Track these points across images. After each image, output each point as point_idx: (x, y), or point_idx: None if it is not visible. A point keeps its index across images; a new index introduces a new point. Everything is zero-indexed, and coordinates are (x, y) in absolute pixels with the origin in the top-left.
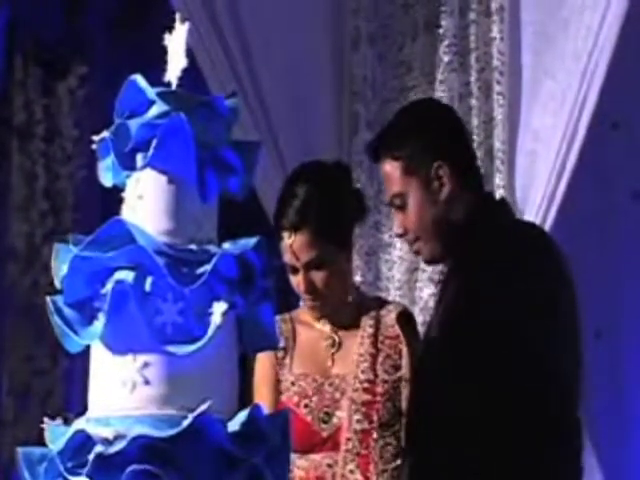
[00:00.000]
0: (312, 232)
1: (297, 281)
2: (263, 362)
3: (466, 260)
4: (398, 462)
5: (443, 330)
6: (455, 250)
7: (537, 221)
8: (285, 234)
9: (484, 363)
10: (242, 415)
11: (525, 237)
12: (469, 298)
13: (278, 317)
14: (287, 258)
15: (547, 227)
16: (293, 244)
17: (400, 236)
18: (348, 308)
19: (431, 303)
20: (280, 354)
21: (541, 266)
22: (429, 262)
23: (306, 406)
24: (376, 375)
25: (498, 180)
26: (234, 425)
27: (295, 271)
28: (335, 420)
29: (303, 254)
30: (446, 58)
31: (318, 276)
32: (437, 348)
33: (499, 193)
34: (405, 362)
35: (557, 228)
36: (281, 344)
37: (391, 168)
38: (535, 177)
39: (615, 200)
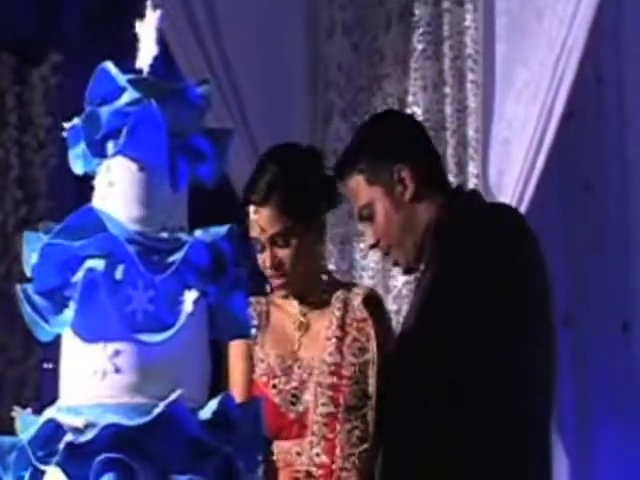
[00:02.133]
0: (277, 206)
1: (263, 259)
2: (236, 341)
3: (436, 257)
4: (365, 446)
5: (413, 326)
6: (427, 250)
7: None
8: (252, 209)
9: (447, 360)
10: (213, 403)
11: (496, 227)
12: (435, 295)
13: (253, 299)
14: (254, 233)
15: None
16: (259, 218)
17: (373, 247)
18: (317, 291)
19: (405, 291)
20: (252, 337)
21: (510, 260)
22: (407, 271)
23: (274, 386)
24: (343, 358)
25: (472, 168)
26: (205, 414)
27: (262, 249)
28: (303, 403)
29: (268, 227)
30: (420, 46)
31: (283, 252)
32: (406, 345)
33: (473, 182)
34: (372, 345)
35: (530, 216)
36: (254, 323)
37: (355, 182)
38: (509, 165)
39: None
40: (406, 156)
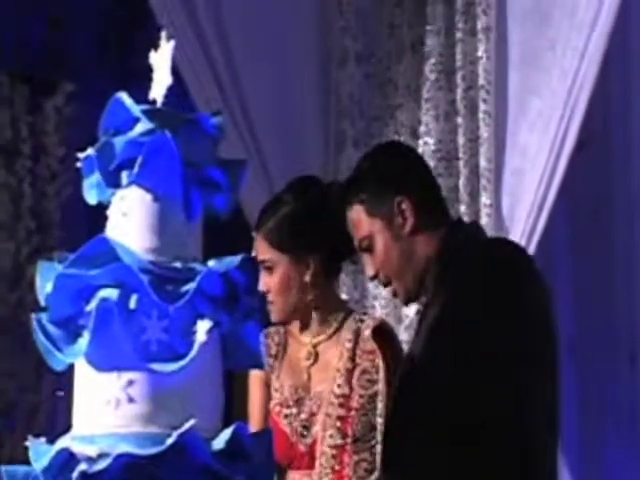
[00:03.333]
0: (263, 237)
1: None
2: (255, 372)
3: (441, 291)
4: (372, 478)
5: (425, 359)
6: (429, 283)
7: (523, 240)
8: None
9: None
10: (226, 433)
11: (499, 262)
12: (447, 329)
13: (272, 329)
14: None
15: (533, 246)
16: (255, 243)
17: (373, 278)
18: (333, 321)
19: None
20: (271, 361)
21: (517, 293)
22: (406, 301)
23: (286, 416)
24: (352, 389)
25: (484, 198)
26: (218, 443)
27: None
28: (312, 434)
29: (259, 254)
30: (432, 76)
31: (267, 279)
32: (416, 377)
33: (485, 212)
34: (381, 376)
35: (543, 247)
36: (272, 352)
37: (356, 212)
38: (521, 195)
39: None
40: (407, 188)
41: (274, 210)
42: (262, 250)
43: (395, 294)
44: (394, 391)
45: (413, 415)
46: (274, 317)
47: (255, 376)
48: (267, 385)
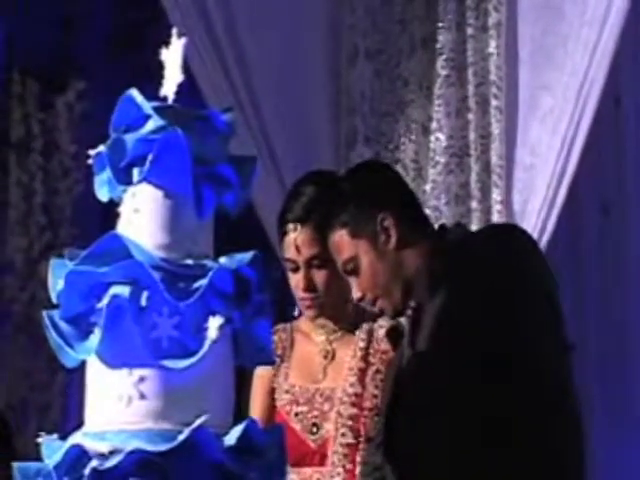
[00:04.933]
0: (316, 228)
1: (297, 280)
2: (261, 370)
3: (438, 293)
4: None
5: (422, 361)
6: (420, 290)
7: (535, 235)
8: (290, 228)
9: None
10: (238, 429)
11: (495, 256)
12: (450, 332)
13: (279, 326)
14: (289, 254)
15: (544, 241)
16: (297, 238)
17: (359, 300)
18: (346, 318)
19: None
20: (277, 361)
21: (511, 289)
22: (394, 316)
23: (296, 414)
24: (364, 389)
25: (496, 195)
26: (230, 439)
27: (296, 270)
28: (323, 432)
29: (306, 249)
30: (443, 73)
31: (318, 275)
32: (417, 382)
33: (497, 208)
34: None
35: (555, 242)
36: (278, 352)
37: (339, 236)
38: (533, 191)
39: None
40: (388, 205)
41: (316, 200)
42: (311, 244)
43: (382, 312)
44: (393, 392)
45: (412, 417)
46: (317, 312)
47: (259, 380)
48: (270, 391)
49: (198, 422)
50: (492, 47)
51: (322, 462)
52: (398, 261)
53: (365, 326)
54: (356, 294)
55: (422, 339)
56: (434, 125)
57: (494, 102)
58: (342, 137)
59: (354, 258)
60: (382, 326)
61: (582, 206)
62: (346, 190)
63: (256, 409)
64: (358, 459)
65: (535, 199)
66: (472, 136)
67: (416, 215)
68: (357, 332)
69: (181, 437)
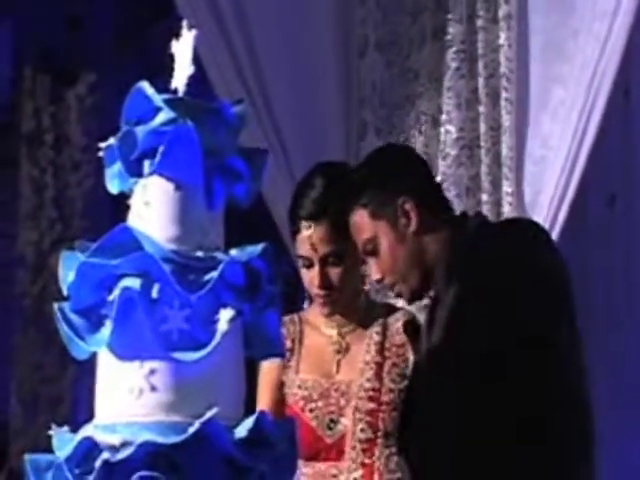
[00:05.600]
0: (331, 225)
1: (311, 276)
2: (268, 364)
3: (454, 283)
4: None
5: (443, 352)
6: (438, 278)
7: (545, 227)
8: (304, 225)
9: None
10: (248, 422)
11: (508, 254)
12: (463, 326)
13: (286, 318)
14: (303, 251)
15: (555, 234)
16: (312, 235)
17: (379, 282)
18: (357, 311)
19: None
20: (288, 355)
21: (529, 289)
22: (411, 300)
23: (311, 410)
24: (382, 384)
25: (506, 187)
26: (240, 432)
27: (310, 266)
28: (340, 427)
29: (322, 247)
30: (454, 65)
31: (334, 271)
32: (433, 374)
33: (507, 200)
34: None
35: (565, 235)
36: (288, 345)
37: (359, 216)
38: (544, 183)
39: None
40: (409, 189)
41: (330, 196)
42: (327, 241)
43: (399, 294)
44: (410, 383)
45: (429, 407)
46: (333, 308)
47: (266, 375)
48: (278, 386)
49: (209, 414)
50: (503, 39)
51: (338, 457)
52: (418, 246)
53: (379, 320)
54: (375, 275)
55: (435, 332)
56: (444, 117)
57: (504, 94)
58: (352, 129)
59: (374, 239)
60: (398, 319)
61: (589, 198)
62: (368, 171)
63: (265, 404)
64: (377, 453)
65: (546, 191)
66: (482, 128)
67: (438, 201)
68: (370, 325)
69: (192, 429)
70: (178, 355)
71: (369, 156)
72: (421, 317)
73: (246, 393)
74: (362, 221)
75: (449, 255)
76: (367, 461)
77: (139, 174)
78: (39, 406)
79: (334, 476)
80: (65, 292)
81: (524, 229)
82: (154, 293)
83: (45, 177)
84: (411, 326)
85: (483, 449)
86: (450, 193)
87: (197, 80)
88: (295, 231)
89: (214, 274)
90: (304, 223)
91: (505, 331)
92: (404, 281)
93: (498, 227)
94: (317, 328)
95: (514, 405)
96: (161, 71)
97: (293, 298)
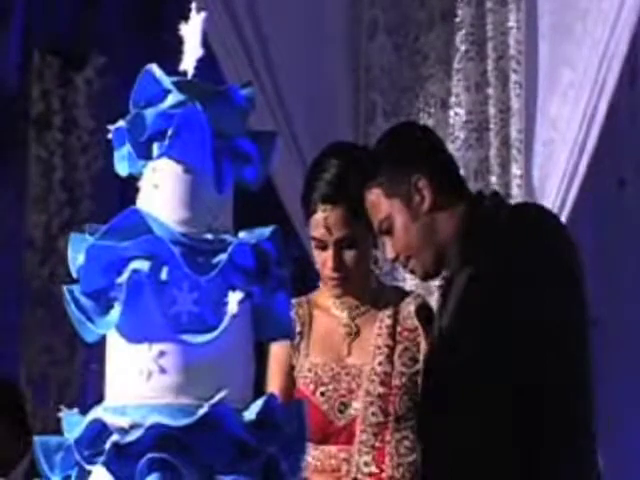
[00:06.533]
0: (347, 208)
1: (324, 258)
2: (277, 348)
3: (469, 263)
4: (414, 456)
5: (452, 332)
6: (452, 257)
7: (554, 210)
8: (319, 208)
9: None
10: (257, 404)
11: (525, 233)
12: (480, 298)
13: (295, 300)
14: (318, 233)
15: (564, 216)
16: (328, 218)
17: (394, 260)
18: (368, 294)
19: None
20: (295, 339)
21: (544, 273)
22: (424, 278)
23: (322, 394)
24: (393, 367)
25: (515, 169)
26: (249, 414)
27: (323, 247)
28: (351, 411)
29: (337, 230)
30: (463, 47)
31: (348, 255)
32: (452, 352)
33: (516, 182)
34: (423, 355)
35: (575, 217)
36: (297, 329)
37: (375, 195)
38: (552, 166)
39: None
40: (423, 167)
41: (347, 179)
42: (343, 225)
43: (412, 272)
44: (425, 364)
45: (445, 388)
46: (344, 290)
47: (276, 358)
48: (288, 371)
49: (218, 397)
50: (512, 21)
51: (349, 440)
52: (432, 224)
53: (390, 304)
54: (390, 254)
55: (448, 313)
56: (453, 100)
57: (514, 76)
58: (361, 112)
59: (389, 217)
60: (410, 303)
61: (598, 180)
62: (383, 150)
63: (275, 387)
64: (388, 437)
65: (555, 174)
66: (491, 111)
67: (452, 180)
68: (381, 309)
69: (201, 412)
70: (187, 337)
71: (384, 135)
72: (432, 299)
73: (255, 376)
74: (378, 200)
75: (464, 236)
76: (378, 445)
77: (148, 157)
78: (48, 388)
79: (345, 460)
80: (74, 274)
81: (536, 214)
82: (163, 275)
83: (54, 160)
84: (422, 310)
85: (507, 427)
86: None
87: (206, 63)
88: (309, 213)
89: (223, 256)
90: (320, 206)
91: (519, 314)
92: (417, 258)
93: (512, 211)
94: (327, 310)
95: (533, 384)
96: (171, 54)
97: (303, 280)
